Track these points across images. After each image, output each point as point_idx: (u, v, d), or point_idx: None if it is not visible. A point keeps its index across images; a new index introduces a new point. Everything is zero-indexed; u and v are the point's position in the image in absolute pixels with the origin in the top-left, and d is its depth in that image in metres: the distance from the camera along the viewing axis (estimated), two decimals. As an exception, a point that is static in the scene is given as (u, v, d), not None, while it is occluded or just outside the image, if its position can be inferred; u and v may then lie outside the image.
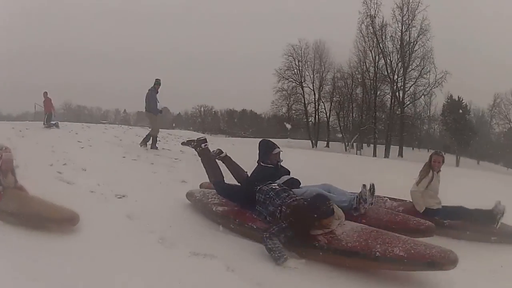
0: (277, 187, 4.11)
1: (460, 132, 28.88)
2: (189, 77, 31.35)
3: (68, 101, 33.96)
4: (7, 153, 4.04)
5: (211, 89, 37.05)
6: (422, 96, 29.18)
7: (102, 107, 37.09)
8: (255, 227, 3.95)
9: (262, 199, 4.00)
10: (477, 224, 4.55)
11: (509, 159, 29.96)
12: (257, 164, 4.76)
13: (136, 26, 37.13)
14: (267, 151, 4.76)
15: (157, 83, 10.36)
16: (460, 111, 29.38)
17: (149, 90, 10.31)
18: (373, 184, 4.25)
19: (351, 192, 4.35)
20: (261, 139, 5.03)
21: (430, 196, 4.74)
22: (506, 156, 30.35)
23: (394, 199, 4.99)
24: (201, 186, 5.45)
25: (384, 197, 4.99)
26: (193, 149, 4.98)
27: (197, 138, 4.98)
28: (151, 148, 10.00)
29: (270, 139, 4.95)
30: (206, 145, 4.87)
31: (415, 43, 28.40)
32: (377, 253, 3.23)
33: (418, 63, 28.42)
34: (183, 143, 5.18)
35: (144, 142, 10.12)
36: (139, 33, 36.81)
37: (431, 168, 4.80)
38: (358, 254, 3.30)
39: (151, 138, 10.17)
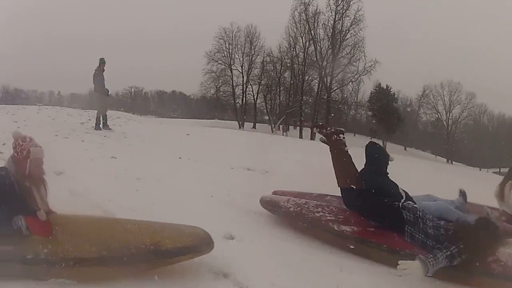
0: (415, 204, 3.48)
1: (386, 119, 30.16)
2: (119, 58, 30.37)
3: (6, 85, 33.45)
4: (35, 148, 2.61)
5: (141, 70, 36.24)
6: (350, 83, 30.41)
7: (38, 89, 36.55)
8: (408, 252, 3.20)
9: (411, 218, 3.32)
10: None
11: (437, 147, 32.52)
12: (374, 170, 3.75)
13: (68, 8, 35.24)
14: (385, 158, 3.86)
15: (102, 62, 10.36)
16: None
17: (95, 70, 10.39)
18: (464, 192, 4.18)
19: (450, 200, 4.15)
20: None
21: None
22: (434, 144, 32.82)
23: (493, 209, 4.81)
24: (274, 193, 4.54)
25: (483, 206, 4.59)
26: (323, 136, 4.02)
27: (335, 128, 3.99)
28: (103, 128, 10.18)
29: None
30: (343, 137, 3.91)
31: (347, 32, 29.56)
32: None
33: (348, 51, 29.64)
34: (314, 125, 4.08)
35: (97, 125, 10.32)
36: (71, 15, 35.02)
37: None
38: None
39: (100, 117, 10.33)
